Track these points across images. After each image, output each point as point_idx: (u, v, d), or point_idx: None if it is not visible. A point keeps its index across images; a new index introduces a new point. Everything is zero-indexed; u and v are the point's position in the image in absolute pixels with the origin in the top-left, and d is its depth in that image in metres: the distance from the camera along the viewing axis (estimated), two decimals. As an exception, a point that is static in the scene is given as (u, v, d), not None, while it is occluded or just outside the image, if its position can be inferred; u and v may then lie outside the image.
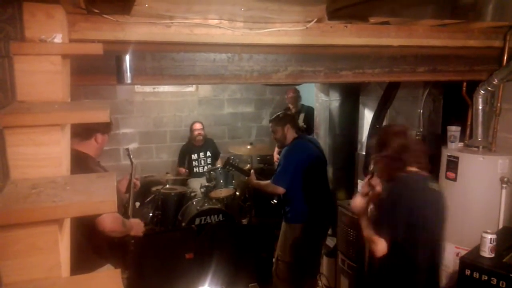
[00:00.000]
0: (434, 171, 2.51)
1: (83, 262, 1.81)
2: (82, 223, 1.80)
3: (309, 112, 4.67)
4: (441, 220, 2.13)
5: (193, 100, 5.75)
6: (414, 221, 1.99)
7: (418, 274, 2.07)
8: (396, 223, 2.01)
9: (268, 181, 3.35)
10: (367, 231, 2.11)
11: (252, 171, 3.72)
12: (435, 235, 2.10)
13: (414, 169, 2.08)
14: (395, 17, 2.23)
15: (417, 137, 2.51)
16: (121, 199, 2.46)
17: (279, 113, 3.55)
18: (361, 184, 3.64)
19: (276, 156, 4.68)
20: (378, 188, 2.19)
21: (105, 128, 2.30)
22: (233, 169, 3.95)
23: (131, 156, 2.65)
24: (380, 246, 2.01)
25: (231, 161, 3.93)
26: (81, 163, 2.07)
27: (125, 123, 5.41)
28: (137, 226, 2.43)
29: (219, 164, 4.89)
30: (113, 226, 2.15)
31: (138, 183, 2.72)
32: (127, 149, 2.80)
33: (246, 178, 3.61)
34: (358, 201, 2.24)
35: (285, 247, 3.36)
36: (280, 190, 3.24)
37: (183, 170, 5.06)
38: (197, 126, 5.13)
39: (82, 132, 2.22)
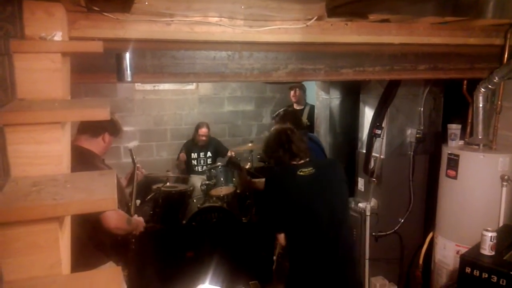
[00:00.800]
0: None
1: (86, 259, 1.82)
2: (86, 220, 1.81)
3: (312, 110, 4.66)
4: (328, 205, 2.23)
5: (194, 98, 5.75)
6: (285, 209, 2.20)
7: (317, 253, 2.22)
8: (270, 216, 2.30)
9: (263, 180, 3.35)
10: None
11: (242, 166, 3.70)
12: (319, 214, 2.21)
13: (293, 162, 2.29)
14: (394, 14, 2.22)
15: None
16: (124, 197, 2.48)
17: (281, 110, 3.54)
18: (361, 182, 3.65)
19: None
20: None
21: (114, 129, 2.36)
22: (235, 168, 3.94)
23: (134, 157, 2.66)
24: (280, 239, 2.27)
25: (233, 159, 3.92)
26: (85, 160, 2.09)
27: (126, 121, 5.40)
28: (140, 225, 2.46)
29: (218, 164, 4.90)
30: (117, 223, 2.17)
31: (144, 171, 2.76)
32: (130, 150, 2.82)
33: (239, 173, 3.59)
34: None
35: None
36: None
37: (183, 155, 5.08)
38: (203, 131, 5.09)
39: (91, 129, 2.26)
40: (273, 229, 2.32)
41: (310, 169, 2.25)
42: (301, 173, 2.23)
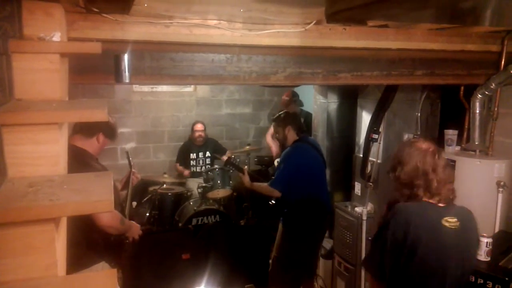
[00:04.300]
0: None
1: (78, 258, 1.82)
2: (79, 218, 1.80)
3: (307, 118, 4.61)
4: (461, 266, 1.70)
5: (191, 101, 5.75)
6: (409, 264, 1.62)
7: None
8: (379, 262, 1.68)
9: (265, 184, 3.35)
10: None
11: (245, 167, 3.68)
12: (445, 280, 1.67)
13: (426, 199, 1.71)
14: (393, 21, 2.24)
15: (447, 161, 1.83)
16: (117, 197, 2.47)
17: (281, 113, 3.50)
18: (358, 187, 3.65)
19: (268, 138, 4.71)
20: None
21: (109, 132, 2.36)
22: (234, 169, 3.90)
23: (130, 159, 2.66)
24: (370, 283, 1.72)
25: (232, 160, 3.91)
26: (79, 159, 2.09)
27: (123, 122, 5.39)
28: (134, 228, 2.45)
29: (215, 166, 4.88)
30: (110, 221, 2.16)
31: (139, 176, 2.75)
32: (127, 152, 2.82)
33: (240, 175, 3.55)
34: None
35: (282, 249, 3.36)
36: (276, 193, 3.24)
37: (180, 168, 5.05)
38: (198, 127, 5.11)
39: (86, 129, 2.26)
40: (374, 273, 1.74)
41: (455, 220, 1.67)
42: (447, 224, 1.65)
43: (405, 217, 1.65)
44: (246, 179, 3.47)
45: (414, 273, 1.64)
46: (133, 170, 2.68)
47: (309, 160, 3.30)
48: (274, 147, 4.49)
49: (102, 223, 2.12)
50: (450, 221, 1.67)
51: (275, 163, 4.04)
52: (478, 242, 1.93)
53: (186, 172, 5.02)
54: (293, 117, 3.45)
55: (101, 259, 2.26)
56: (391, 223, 1.67)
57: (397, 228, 1.64)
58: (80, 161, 2.05)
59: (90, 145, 2.29)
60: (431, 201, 1.71)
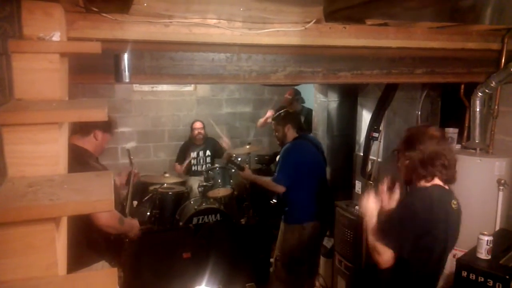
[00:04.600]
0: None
1: (78, 257, 1.81)
2: (78, 217, 1.80)
3: (309, 115, 4.64)
4: (454, 240, 1.94)
5: (192, 100, 5.75)
6: (426, 241, 1.81)
7: None
8: (405, 238, 1.81)
9: (268, 178, 3.35)
10: (373, 238, 1.90)
11: (246, 165, 3.71)
12: (443, 255, 1.91)
13: (437, 181, 1.87)
14: (392, 19, 2.23)
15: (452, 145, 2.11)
16: (118, 196, 2.47)
17: (281, 111, 3.51)
18: (358, 185, 3.65)
19: (262, 120, 5.13)
20: (397, 195, 2.02)
21: (105, 126, 2.31)
22: (235, 167, 3.90)
23: (132, 157, 2.67)
24: (385, 257, 1.83)
25: (232, 158, 3.92)
26: (78, 158, 2.08)
27: (123, 122, 5.40)
28: (133, 226, 2.44)
29: (222, 162, 4.89)
30: (108, 221, 2.15)
31: (139, 174, 2.75)
32: (128, 151, 2.82)
33: (241, 173, 3.56)
34: (370, 203, 1.98)
35: (284, 248, 3.36)
36: (280, 188, 3.22)
37: (178, 166, 5.06)
38: (197, 125, 5.12)
39: (81, 128, 2.25)
40: (390, 244, 1.84)
41: (456, 202, 1.90)
42: (453, 206, 1.87)
43: (430, 200, 1.83)
44: (247, 172, 3.51)
45: (424, 250, 1.83)
46: (134, 169, 2.68)
47: (307, 156, 3.30)
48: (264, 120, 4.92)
49: (100, 222, 2.11)
50: (454, 203, 1.88)
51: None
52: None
53: (178, 167, 5.05)
54: (292, 116, 3.45)
55: (101, 258, 2.26)
56: (417, 205, 1.84)
57: (422, 210, 1.81)
58: (78, 161, 2.04)
59: (89, 143, 2.29)
60: (440, 183, 1.87)
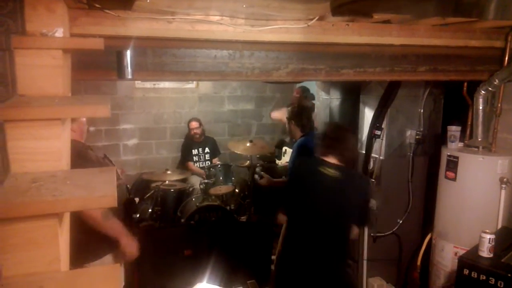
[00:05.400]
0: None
1: (94, 250, 1.89)
2: None
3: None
4: (336, 206, 2.25)
5: (194, 97, 5.74)
6: (302, 200, 2.30)
7: (306, 249, 2.29)
8: (286, 198, 2.43)
9: (283, 178, 3.45)
10: None
11: (262, 173, 4.05)
12: (324, 218, 2.26)
13: (332, 160, 2.29)
14: (398, 14, 2.22)
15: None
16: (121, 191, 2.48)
17: (294, 106, 3.65)
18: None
19: (273, 114, 5.22)
20: None
21: None
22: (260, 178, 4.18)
23: (110, 160, 2.66)
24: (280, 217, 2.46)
25: (257, 172, 4.09)
26: (77, 151, 2.02)
27: (125, 119, 5.40)
28: (128, 242, 2.24)
29: (217, 162, 4.92)
30: (89, 211, 1.99)
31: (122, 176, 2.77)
32: (104, 155, 2.75)
33: (260, 180, 3.81)
34: None
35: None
36: None
37: (191, 165, 5.13)
38: (193, 125, 5.16)
39: None
40: (284, 207, 2.46)
41: (336, 172, 2.24)
42: (324, 171, 2.24)
43: (302, 162, 2.52)
44: (265, 178, 3.87)
45: (299, 203, 2.32)
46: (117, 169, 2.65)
47: (304, 156, 3.33)
48: (279, 116, 4.82)
49: (84, 212, 1.95)
50: (329, 170, 2.24)
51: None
52: (359, 203, 2.31)
53: (192, 165, 5.13)
54: (296, 113, 3.46)
55: (110, 250, 2.26)
56: (294, 167, 2.62)
57: (295, 170, 2.56)
58: (78, 155, 1.96)
59: (73, 134, 2.11)
60: (324, 158, 2.30)
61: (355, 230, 2.38)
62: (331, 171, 2.25)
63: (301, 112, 3.52)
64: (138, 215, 3.98)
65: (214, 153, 5.29)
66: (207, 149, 5.23)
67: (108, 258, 2.21)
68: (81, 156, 2.12)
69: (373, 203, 3.45)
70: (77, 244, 1.40)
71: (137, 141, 5.51)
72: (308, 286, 2.27)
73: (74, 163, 1.46)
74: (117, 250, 2.24)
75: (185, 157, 5.24)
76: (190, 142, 5.24)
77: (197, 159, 5.19)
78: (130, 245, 2.25)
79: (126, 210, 2.63)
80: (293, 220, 2.38)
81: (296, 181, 2.40)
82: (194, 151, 5.18)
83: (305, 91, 4.77)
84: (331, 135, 2.36)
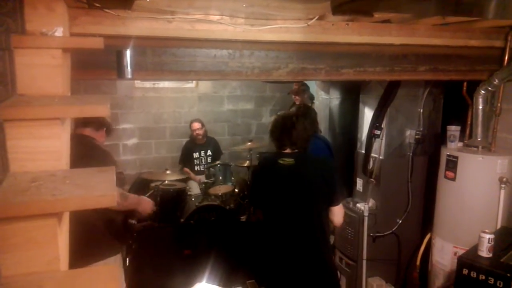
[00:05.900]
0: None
1: (103, 249, 2.01)
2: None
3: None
4: (298, 191, 2.33)
5: (193, 97, 5.74)
6: (267, 194, 2.38)
7: (277, 238, 2.38)
8: (253, 193, 2.67)
9: None
10: None
11: None
12: (290, 206, 2.33)
13: (288, 150, 2.38)
14: (399, 12, 2.22)
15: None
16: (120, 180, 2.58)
17: (300, 105, 3.65)
18: (359, 183, 3.65)
19: None
20: None
21: (109, 129, 2.58)
22: None
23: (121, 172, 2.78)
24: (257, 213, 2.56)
25: None
26: (89, 143, 2.31)
27: (125, 118, 5.40)
28: (145, 203, 2.49)
29: (216, 162, 4.91)
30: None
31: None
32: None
33: None
34: None
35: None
36: None
37: (188, 171, 5.08)
38: (195, 126, 5.12)
39: (96, 123, 2.43)
40: (253, 205, 2.63)
41: (290, 160, 2.33)
42: (281, 162, 2.33)
43: (262, 160, 2.69)
44: None
45: (267, 197, 2.40)
46: None
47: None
48: None
49: None
50: (285, 160, 2.33)
51: None
52: (321, 182, 2.31)
53: (188, 171, 5.08)
54: (314, 113, 3.46)
55: (121, 245, 2.35)
56: (257, 166, 2.86)
57: (257, 168, 2.76)
58: (90, 146, 2.26)
59: (98, 137, 2.46)
60: (282, 150, 2.39)
61: (335, 211, 2.38)
62: (286, 160, 2.34)
63: (315, 112, 3.52)
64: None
65: (216, 156, 5.25)
66: (209, 152, 5.20)
67: (112, 259, 2.22)
68: (96, 148, 2.32)
69: (372, 203, 3.45)
70: (80, 244, 1.40)
71: (136, 140, 5.51)
72: (290, 275, 2.34)
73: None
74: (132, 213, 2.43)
75: (184, 161, 5.21)
76: (191, 145, 5.20)
77: (198, 162, 5.15)
78: (147, 206, 2.51)
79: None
80: (265, 214, 2.47)
81: (259, 177, 2.50)
82: (195, 155, 5.15)
83: (303, 84, 4.75)
84: (279, 128, 2.41)
